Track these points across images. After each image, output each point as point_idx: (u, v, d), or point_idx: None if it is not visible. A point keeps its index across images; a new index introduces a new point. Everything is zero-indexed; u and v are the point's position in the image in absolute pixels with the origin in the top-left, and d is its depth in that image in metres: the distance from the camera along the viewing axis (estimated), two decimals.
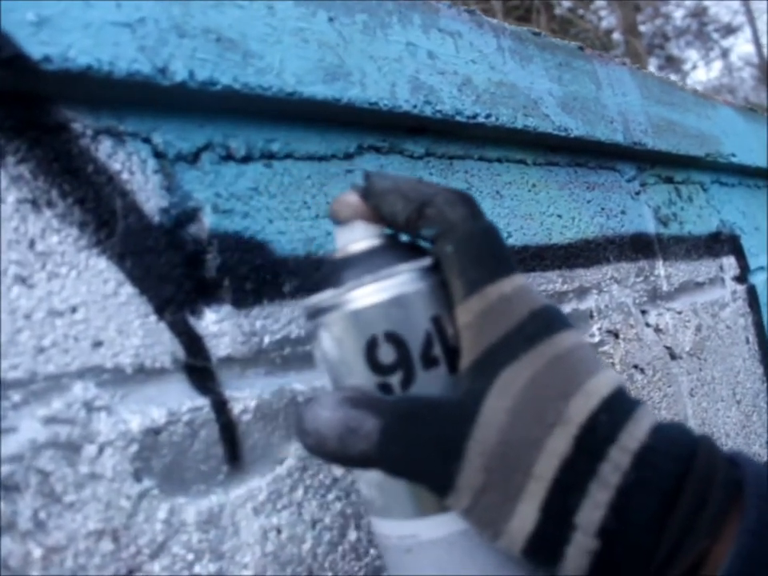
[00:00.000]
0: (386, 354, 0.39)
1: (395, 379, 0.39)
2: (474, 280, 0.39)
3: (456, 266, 0.39)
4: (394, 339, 0.39)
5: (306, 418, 0.39)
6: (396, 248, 0.42)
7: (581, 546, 0.35)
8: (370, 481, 0.41)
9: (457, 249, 0.39)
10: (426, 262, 0.41)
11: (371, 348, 0.39)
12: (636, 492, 0.34)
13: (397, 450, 0.37)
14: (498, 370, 0.37)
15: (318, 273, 0.58)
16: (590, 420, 0.36)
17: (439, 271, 0.40)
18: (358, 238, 0.42)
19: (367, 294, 0.39)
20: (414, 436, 0.37)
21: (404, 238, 0.44)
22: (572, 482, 0.35)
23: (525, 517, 0.35)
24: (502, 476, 0.36)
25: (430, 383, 0.39)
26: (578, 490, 0.35)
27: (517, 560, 0.37)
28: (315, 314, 0.42)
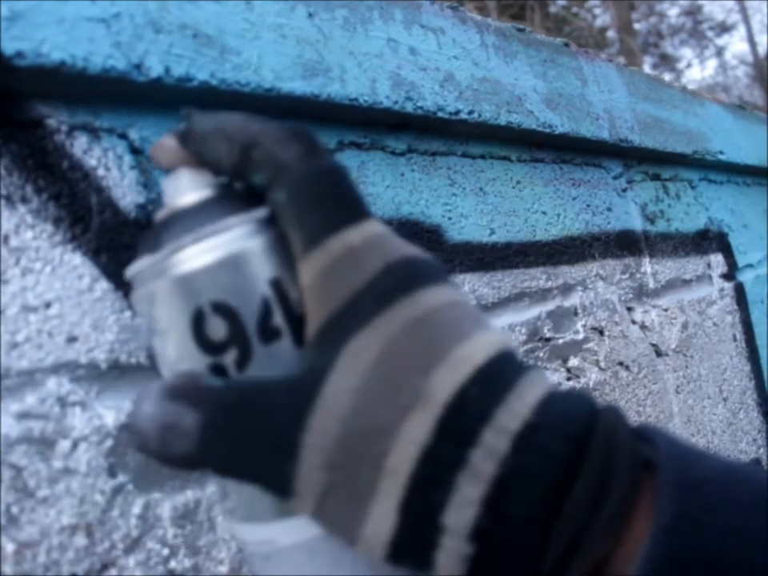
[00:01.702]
0: (216, 329, 0.32)
1: (229, 358, 0.32)
2: (314, 231, 0.32)
3: (292, 216, 0.32)
4: (223, 310, 0.32)
5: (131, 413, 0.33)
6: (228, 200, 0.35)
7: (452, 551, 0.28)
8: (219, 481, 0.35)
9: (291, 195, 0.32)
10: (261, 213, 0.34)
11: (198, 322, 0.33)
12: (516, 483, 0.27)
13: (222, 449, 0.31)
14: (344, 340, 0.30)
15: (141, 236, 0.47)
16: (458, 396, 0.29)
17: (273, 224, 0.34)
18: (183, 191, 0.35)
19: (188, 257, 0.33)
20: (240, 431, 0.31)
21: (234, 186, 0.36)
22: (435, 475, 0.28)
23: (380, 520, 0.29)
24: (348, 473, 0.29)
25: (272, 361, 0.32)
26: (444, 484, 0.28)
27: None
28: (134, 286, 0.36)
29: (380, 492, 0.29)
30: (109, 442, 0.48)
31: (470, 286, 0.77)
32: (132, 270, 0.36)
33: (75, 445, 0.46)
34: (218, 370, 0.33)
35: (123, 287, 0.50)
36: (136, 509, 0.49)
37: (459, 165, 0.81)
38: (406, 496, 0.28)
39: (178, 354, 0.34)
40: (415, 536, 0.29)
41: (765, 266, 1.49)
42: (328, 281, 0.31)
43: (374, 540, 0.29)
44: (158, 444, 0.32)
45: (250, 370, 0.33)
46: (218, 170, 0.36)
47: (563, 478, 0.27)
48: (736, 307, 1.32)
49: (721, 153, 1.31)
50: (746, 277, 1.40)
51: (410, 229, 0.73)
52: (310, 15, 0.63)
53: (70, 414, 0.47)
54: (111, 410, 0.48)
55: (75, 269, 0.49)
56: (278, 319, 0.33)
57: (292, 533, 0.33)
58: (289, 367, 0.32)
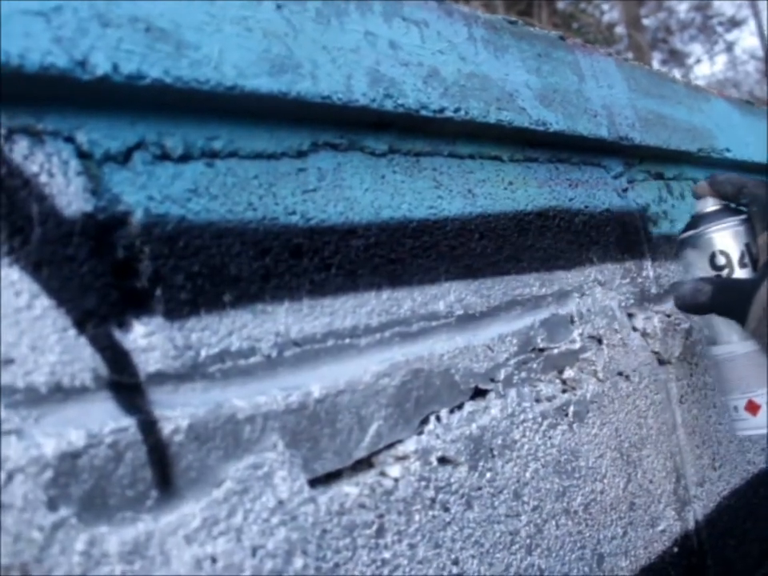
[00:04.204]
0: (720, 261, 0.81)
1: (724, 273, 0.81)
2: (767, 224, 0.79)
3: (758, 218, 0.80)
4: (724, 253, 0.81)
5: (677, 289, 0.80)
6: (729, 211, 0.83)
7: None
8: (706, 322, 0.85)
9: (758, 209, 0.80)
10: (743, 216, 0.82)
11: (712, 257, 0.81)
12: None
13: (721, 300, 0.76)
14: None
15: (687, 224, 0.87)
16: None
17: (749, 221, 0.81)
18: (708, 205, 0.84)
19: (712, 231, 0.82)
20: (728, 293, 0.76)
21: (732, 205, 0.84)
22: None
23: None
24: None
25: (742, 275, 0.80)
26: None
27: None
28: (684, 241, 0.85)
29: None
30: (48, 473, 0.44)
31: (457, 294, 0.73)
32: (684, 234, 0.85)
33: (10, 477, 0.42)
34: (718, 277, 0.81)
35: (66, 304, 0.47)
36: (79, 545, 0.44)
37: (446, 166, 0.77)
38: None
39: (699, 270, 0.82)
40: None
41: None
42: None
43: None
44: (690, 299, 0.78)
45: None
46: (724, 197, 0.84)
47: None
48: None
49: (727, 150, 1.26)
50: None
51: (390, 235, 0.68)
52: (279, 7, 0.59)
53: (5, 444, 0.43)
54: (51, 438, 0.44)
55: (12, 285, 0.45)
56: (747, 259, 0.80)
57: (745, 346, 0.80)
58: (748, 278, 0.79)
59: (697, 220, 0.84)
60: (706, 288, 0.76)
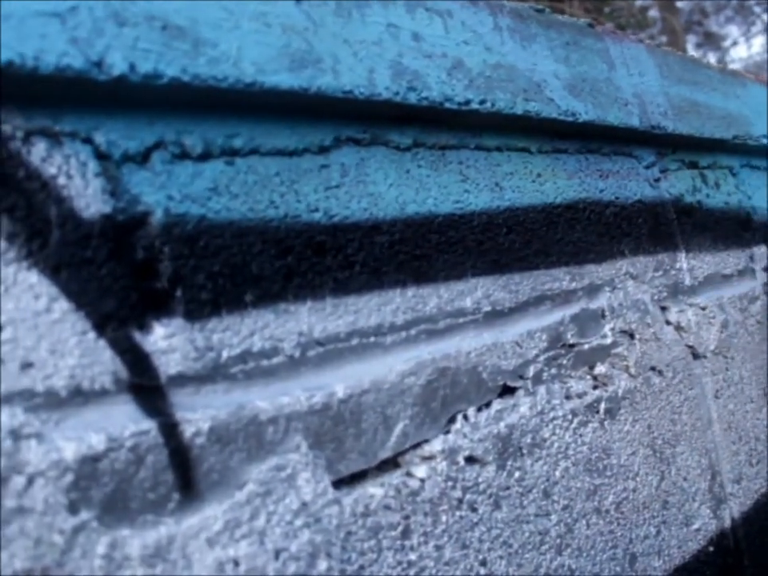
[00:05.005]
0: None
1: None
2: None
3: None
4: None
5: None
6: None
7: None
8: None
9: None
10: None
11: None
12: None
13: None
14: None
15: None
16: None
17: None
18: None
19: None
20: None
21: None
22: None
23: None
24: None
25: None
26: None
27: None
28: None
29: None
30: (69, 477, 0.44)
31: (484, 290, 0.72)
32: None
33: (30, 481, 0.42)
34: None
35: (85, 307, 0.46)
36: (101, 548, 0.44)
37: (472, 159, 0.75)
38: None
39: None
40: None
41: None
42: None
43: None
44: None
45: None
46: None
47: None
48: None
49: (765, 137, 1.22)
50: None
51: (415, 230, 0.67)
52: (298, 1, 0.58)
53: (25, 448, 0.43)
54: (72, 442, 0.44)
55: (31, 288, 0.44)
56: None
57: None
58: None
59: None
60: None
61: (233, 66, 0.53)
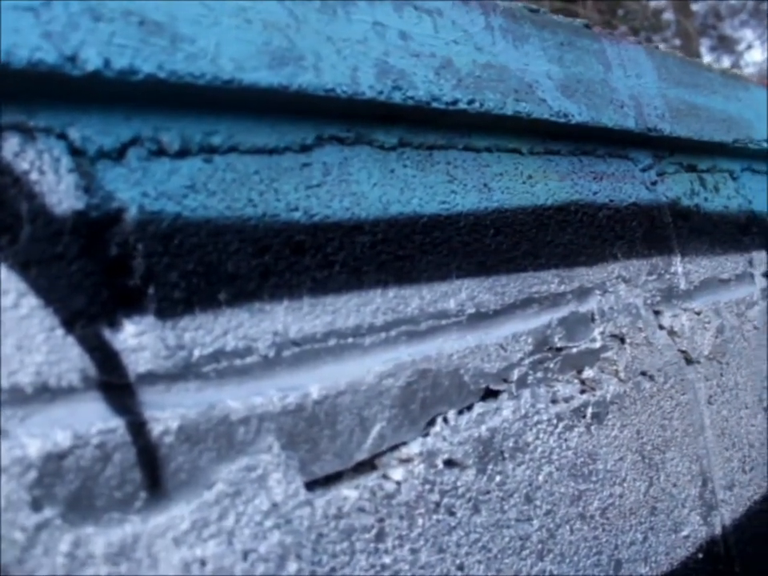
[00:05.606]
0: None
1: None
2: None
3: None
4: None
5: None
6: None
7: None
8: None
9: None
10: None
11: None
12: None
13: None
14: None
15: None
16: None
17: None
18: None
19: None
20: None
21: None
22: None
23: None
24: None
25: None
26: None
27: None
28: None
29: None
30: (33, 473, 0.43)
31: (468, 292, 0.71)
32: None
33: None
34: None
35: (54, 303, 0.46)
36: (64, 546, 0.44)
37: (460, 159, 0.75)
38: None
39: None
40: None
41: None
42: None
43: None
44: None
45: None
46: None
47: None
48: None
49: (767, 141, 1.21)
50: None
51: (398, 231, 0.67)
52: None
53: None
54: (36, 439, 0.44)
55: None
56: None
57: None
58: None
59: None
60: None
61: (210, 62, 0.52)
